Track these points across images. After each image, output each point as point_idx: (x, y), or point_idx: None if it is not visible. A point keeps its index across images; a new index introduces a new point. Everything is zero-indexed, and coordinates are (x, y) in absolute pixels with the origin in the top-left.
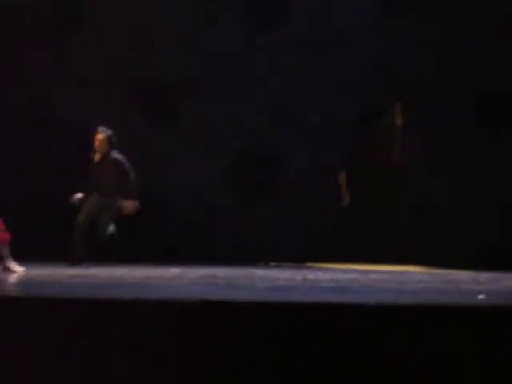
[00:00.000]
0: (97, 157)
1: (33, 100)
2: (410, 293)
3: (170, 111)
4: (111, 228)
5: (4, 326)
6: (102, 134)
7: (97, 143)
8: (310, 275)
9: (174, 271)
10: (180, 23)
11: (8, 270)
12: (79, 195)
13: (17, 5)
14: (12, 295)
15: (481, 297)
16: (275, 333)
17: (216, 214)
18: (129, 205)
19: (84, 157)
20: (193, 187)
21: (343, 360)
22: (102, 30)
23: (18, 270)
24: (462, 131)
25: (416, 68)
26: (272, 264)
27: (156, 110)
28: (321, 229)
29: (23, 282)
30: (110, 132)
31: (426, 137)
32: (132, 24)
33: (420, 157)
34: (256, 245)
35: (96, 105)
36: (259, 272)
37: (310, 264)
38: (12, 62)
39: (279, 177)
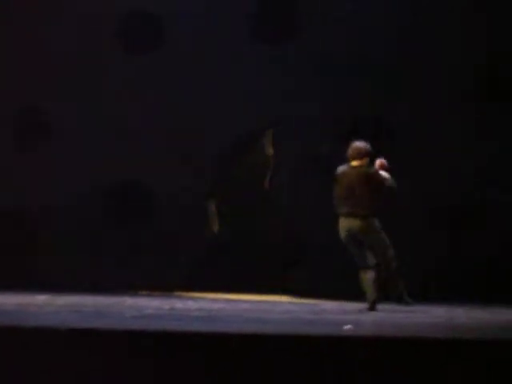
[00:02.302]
0: None
1: None
2: (275, 323)
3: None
4: None
5: None
6: None
7: None
8: (179, 304)
9: (41, 298)
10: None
11: None
12: None
13: None
14: None
15: (347, 327)
16: (142, 361)
17: (86, 238)
18: None
19: None
20: (65, 208)
21: None
22: None
23: None
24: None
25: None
26: (141, 292)
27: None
28: (191, 257)
29: None
30: None
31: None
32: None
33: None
34: (126, 272)
35: None
36: (128, 300)
37: (179, 293)
38: None
39: (151, 205)
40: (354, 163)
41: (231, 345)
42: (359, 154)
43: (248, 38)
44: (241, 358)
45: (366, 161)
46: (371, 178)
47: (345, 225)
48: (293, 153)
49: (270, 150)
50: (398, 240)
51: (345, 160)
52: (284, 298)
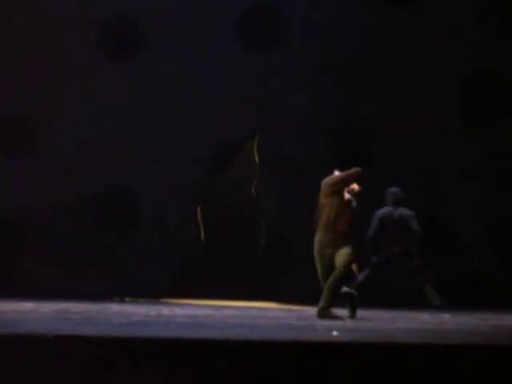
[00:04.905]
0: None
1: None
2: (264, 329)
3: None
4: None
5: None
6: None
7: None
8: (166, 311)
9: (27, 305)
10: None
11: None
12: None
13: None
14: None
15: (334, 333)
16: (130, 368)
17: (74, 246)
18: None
19: None
20: (52, 216)
21: None
22: None
23: None
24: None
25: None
26: (127, 299)
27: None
28: (178, 264)
29: None
30: None
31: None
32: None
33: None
34: (112, 279)
35: None
36: (114, 307)
37: (166, 300)
38: None
39: (137, 212)
40: None
41: (218, 350)
42: None
43: (234, 44)
44: (229, 364)
45: None
46: None
47: None
48: (279, 160)
49: (256, 158)
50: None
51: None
52: (271, 305)
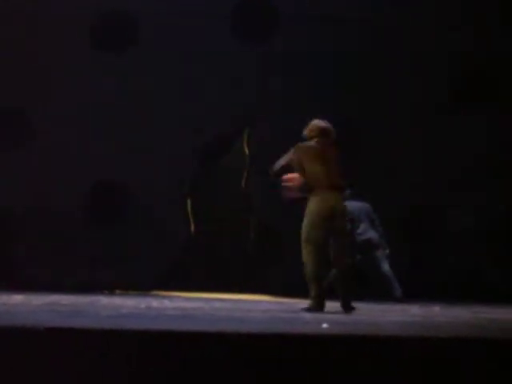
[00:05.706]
0: None
1: None
2: (253, 321)
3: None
4: None
5: None
6: None
7: None
8: (155, 303)
9: (17, 298)
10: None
11: None
12: None
13: None
14: None
15: (324, 326)
16: (118, 361)
17: (66, 238)
18: None
19: None
20: (48, 210)
21: None
22: None
23: None
24: None
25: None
26: (117, 292)
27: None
28: (168, 256)
29: None
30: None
31: None
32: None
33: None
34: (103, 272)
35: None
36: (104, 300)
37: (155, 292)
38: None
39: (127, 204)
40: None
41: (207, 344)
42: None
43: (232, 41)
44: (219, 357)
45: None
46: None
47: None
48: (270, 151)
49: (246, 150)
50: None
51: None
52: (261, 297)
